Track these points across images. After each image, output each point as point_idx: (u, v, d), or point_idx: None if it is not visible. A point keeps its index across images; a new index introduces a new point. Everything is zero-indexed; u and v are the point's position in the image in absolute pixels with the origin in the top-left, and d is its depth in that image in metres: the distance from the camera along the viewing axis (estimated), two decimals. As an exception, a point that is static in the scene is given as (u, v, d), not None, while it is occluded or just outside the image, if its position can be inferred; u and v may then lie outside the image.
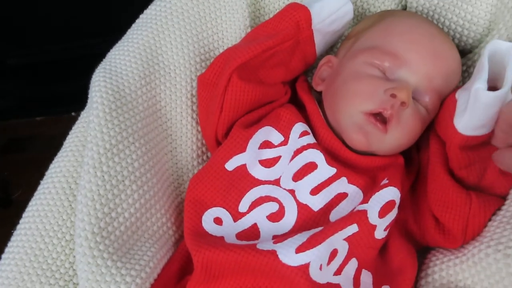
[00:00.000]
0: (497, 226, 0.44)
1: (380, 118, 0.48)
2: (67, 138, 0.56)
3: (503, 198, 0.48)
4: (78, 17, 1.25)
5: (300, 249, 0.41)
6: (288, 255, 0.41)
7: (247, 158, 0.50)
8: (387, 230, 0.47)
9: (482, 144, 0.46)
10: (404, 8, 0.62)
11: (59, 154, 0.55)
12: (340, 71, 0.52)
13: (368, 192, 0.48)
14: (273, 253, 0.41)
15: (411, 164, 0.53)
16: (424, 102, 0.50)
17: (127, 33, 0.59)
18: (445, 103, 0.50)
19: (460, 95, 0.48)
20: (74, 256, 0.49)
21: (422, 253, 0.51)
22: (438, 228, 0.49)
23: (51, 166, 0.54)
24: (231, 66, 0.50)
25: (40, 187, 0.53)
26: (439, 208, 0.48)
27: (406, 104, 0.47)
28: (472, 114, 0.44)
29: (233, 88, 0.51)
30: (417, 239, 0.51)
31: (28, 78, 1.48)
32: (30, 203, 0.53)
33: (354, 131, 0.49)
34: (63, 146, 0.55)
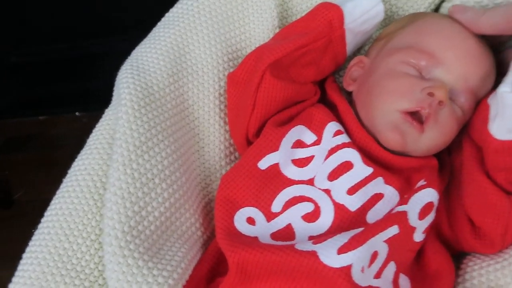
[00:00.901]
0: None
1: (416, 117, 0.47)
2: (91, 136, 0.55)
3: None
4: (81, 17, 1.24)
5: (342, 250, 0.40)
6: (330, 256, 0.40)
7: (280, 157, 0.49)
8: (425, 233, 0.46)
9: None
10: (436, 10, 0.61)
11: (83, 151, 0.53)
12: (374, 70, 0.52)
13: (403, 193, 0.47)
14: (314, 253, 0.40)
15: (443, 167, 0.52)
16: (459, 102, 0.49)
17: (153, 31, 0.58)
18: (478, 108, 0.50)
19: (491, 101, 0.48)
20: (99, 257, 0.48)
21: (456, 257, 0.51)
22: (474, 233, 0.48)
23: (75, 163, 0.53)
24: (264, 63, 0.50)
25: (63, 185, 0.52)
26: (477, 212, 0.47)
27: (444, 103, 0.46)
28: (502, 117, 0.44)
29: (266, 85, 0.50)
30: (451, 244, 0.50)
31: (30, 77, 1.46)
32: (52, 202, 0.51)
33: (390, 130, 0.48)
34: (87, 144, 0.54)
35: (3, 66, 1.45)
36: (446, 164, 0.53)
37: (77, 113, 1.35)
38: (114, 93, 0.55)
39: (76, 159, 0.53)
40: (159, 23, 0.59)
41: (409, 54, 0.50)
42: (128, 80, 0.52)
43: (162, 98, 0.52)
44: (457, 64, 0.49)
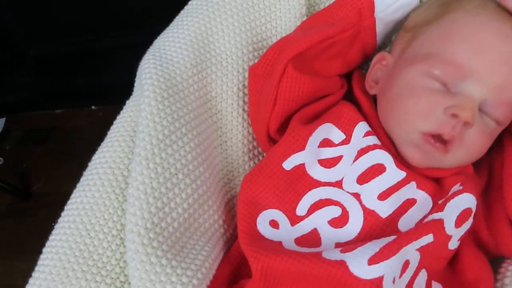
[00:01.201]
0: None
1: (439, 137, 0.43)
2: (111, 128, 0.53)
3: None
4: (99, 11, 1.24)
5: (372, 260, 0.37)
6: (360, 266, 0.37)
7: (306, 157, 0.47)
8: (460, 240, 0.43)
9: None
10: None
11: (104, 144, 0.52)
12: (395, 77, 0.47)
13: (436, 198, 0.44)
14: (343, 263, 0.37)
15: (481, 168, 0.49)
16: (493, 115, 0.44)
17: (176, 19, 0.56)
18: None
19: None
20: (121, 253, 0.47)
21: (495, 261, 0.48)
22: None
23: (95, 156, 0.51)
24: (286, 56, 0.47)
25: (83, 178, 0.50)
26: None
27: (470, 124, 0.42)
28: None
29: (288, 79, 0.48)
30: (489, 249, 0.47)
31: (49, 70, 1.47)
32: (73, 195, 0.50)
33: (410, 148, 0.45)
34: (108, 136, 0.52)
35: (23, 60, 1.45)
36: (484, 164, 0.49)
37: (93, 107, 1.35)
38: (136, 84, 0.53)
39: (97, 152, 0.52)
40: (182, 12, 0.57)
41: (433, 65, 0.44)
42: (151, 70, 0.50)
43: (185, 90, 0.50)
44: (489, 74, 0.43)
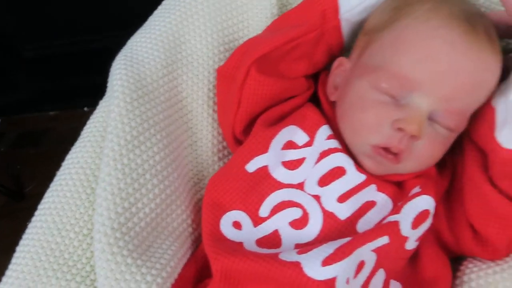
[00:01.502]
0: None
1: (389, 149, 0.43)
2: (84, 129, 0.54)
3: None
4: (94, 11, 1.24)
5: (326, 261, 0.38)
6: (314, 268, 0.38)
7: (269, 159, 0.47)
8: (418, 241, 0.44)
9: None
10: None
11: (76, 144, 0.52)
12: (349, 87, 0.47)
13: (397, 200, 0.45)
14: (297, 265, 0.38)
15: (445, 168, 0.49)
16: (444, 124, 0.43)
17: (149, 20, 0.56)
18: (481, 111, 0.45)
19: (497, 103, 0.43)
20: (91, 252, 0.47)
21: (454, 259, 0.48)
22: (476, 240, 0.46)
23: (68, 157, 0.52)
24: (250, 58, 0.47)
25: (56, 179, 0.51)
26: (480, 221, 0.45)
27: (417, 137, 0.42)
28: None
29: (251, 81, 0.48)
30: (451, 248, 0.48)
31: (42, 71, 1.47)
32: (45, 195, 0.51)
33: (364, 158, 0.45)
34: (81, 137, 0.53)
35: (17, 61, 1.46)
36: (447, 165, 0.50)
37: (85, 108, 1.36)
38: (108, 84, 0.54)
39: (70, 152, 0.52)
40: (155, 12, 0.57)
41: (380, 78, 0.43)
42: (121, 71, 0.50)
43: (155, 90, 0.51)
44: (435, 85, 0.42)
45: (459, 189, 0.47)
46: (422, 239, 0.44)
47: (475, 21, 0.42)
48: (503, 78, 0.44)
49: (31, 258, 0.46)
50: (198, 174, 0.54)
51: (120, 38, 0.57)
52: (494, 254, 0.45)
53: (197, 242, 0.50)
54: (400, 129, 0.42)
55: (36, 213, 0.50)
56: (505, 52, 0.45)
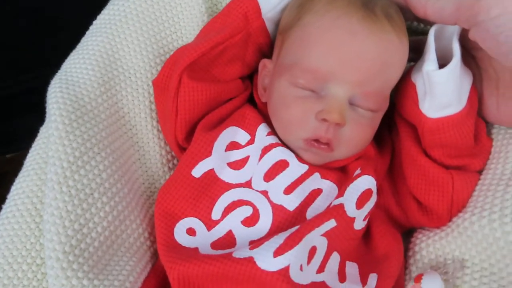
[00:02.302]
0: (478, 196, 0.44)
1: (319, 140, 0.45)
2: (27, 157, 0.53)
3: (479, 172, 0.48)
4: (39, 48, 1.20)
5: (278, 252, 0.39)
6: (266, 260, 0.39)
7: (214, 162, 0.48)
8: (367, 220, 0.46)
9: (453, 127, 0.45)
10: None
11: (21, 174, 0.51)
12: (272, 88, 0.49)
13: (342, 185, 0.47)
14: (250, 260, 0.39)
15: (384, 148, 0.52)
16: (365, 106, 0.45)
17: (82, 41, 0.56)
18: (404, 88, 0.48)
19: (416, 79, 0.46)
20: (47, 281, 0.46)
21: (409, 233, 0.50)
22: (421, 210, 0.48)
23: (13, 188, 0.50)
24: (179, 67, 0.48)
25: (2, 212, 0.49)
26: (421, 191, 0.47)
27: (341, 124, 0.44)
28: (432, 95, 0.44)
29: (184, 89, 0.48)
30: (401, 222, 0.50)
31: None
32: (-7, 230, 0.49)
33: (302, 152, 0.47)
34: (24, 166, 0.52)
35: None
36: (387, 144, 0.52)
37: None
38: (46, 110, 0.53)
39: (14, 183, 0.51)
40: (87, 32, 0.57)
41: (295, 75, 0.45)
42: (57, 94, 0.50)
43: (94, 109, 0.51)
44: (346, 73, 0.44)
45: (399, 165, 0.50)
46: (371, 218, 0.46)
47: (373, 5, 0.45)
48: (419, 56, 0.47)
49: (-17, 297, 0.45)
50: (150, 186, 0.54)
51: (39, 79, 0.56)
52: (438, 221, 0.47)
53: (156, 255, 0.49)
54: (324, 120, 0.44)
55: (-16, 250, 0.48)
56: (418, 33, 0.48)
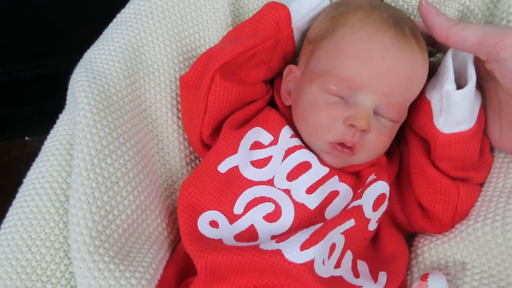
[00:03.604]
0: (480, 206, 0.48)
1: (344, 144, 0.49)
2: (45, 143, 0.53)
3: (481, 185, 0.52)
4: (29, 36, 1.17)
5: (304, 246, 0.42)
6: (294, 253, 0.42)
7: (239, 160, 0.50)
8: (378, 222, 0.49)
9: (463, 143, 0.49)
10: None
11: (39, 159, 0.51)
12: (301, 92, 0.52)
13: (356, 189, 0.50)
14: (278, 252, 0.42)
15: (393, 157, 0.56)
16: (388, 116, 0.49)
17: (105, 32, 0.57)
18: (418, 104, 0.51)
19: (431, 96, 0.50)
20: (65, 265, 0.47)
21: (408, 238, 0.55)
22: (425, 217, 0.52)
23: (31, 172, 0.51)
24: (213, 66, 0.50)
25: (19, 195, 0.50)
26: (428, 199, 0.51)
27: (367, 130, 0.47)
28: (449, 113, 0.47)
29: (216, 88, 0.51)
30: (404, 227, 0.54)
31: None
32: (9, 212, 0.49)
33: (323, 154, 0.51)
34: (42, 151, 0.52)
35: None
36: (395, 154, 0.56)
37: (26, 138, 1.28)
38: (69, 97, 0.54)
39: (32, 167, 0.51)
40: (110, 24, 0.58)
41: (328, 81, 0.48)
42: (84, 83, 0.51)
43: (120, 101, 0.52)
44: (376, 84, 0.47)
45: (407, 174, 0.54)
46: (380, 221, 0.50)
47: (402, 25, 0.49)
48: (431, 74, 0.52)
49: (1, 278, 0.45)
50: (168, 179, 0.55)
51: (57, 65, 0.56)
52: (441, 228, 0.51)
53: (173, 244, 0.51)
54: (351, 125, 0.47)
55: (1, 231, 0.48)
56: (430, 54, 0.53)
